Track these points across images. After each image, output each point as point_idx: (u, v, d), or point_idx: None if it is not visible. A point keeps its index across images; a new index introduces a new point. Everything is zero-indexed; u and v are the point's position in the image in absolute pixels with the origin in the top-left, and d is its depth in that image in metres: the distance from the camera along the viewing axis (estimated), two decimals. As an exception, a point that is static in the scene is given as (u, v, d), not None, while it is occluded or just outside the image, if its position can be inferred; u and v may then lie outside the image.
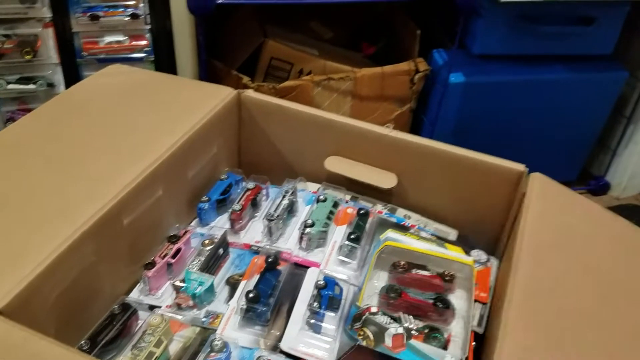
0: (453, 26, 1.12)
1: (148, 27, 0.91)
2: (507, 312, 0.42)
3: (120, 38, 0.89)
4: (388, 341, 0.44)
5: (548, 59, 1.15)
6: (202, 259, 0.54)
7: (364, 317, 0.46)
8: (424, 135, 0.63)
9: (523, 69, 1.13)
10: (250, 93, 0.67)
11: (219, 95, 0.65)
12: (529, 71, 1.13)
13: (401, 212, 0.66)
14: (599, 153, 1.44)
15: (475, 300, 0.53)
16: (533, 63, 1.13)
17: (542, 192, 0.55)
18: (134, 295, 0.52)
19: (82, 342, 0.44)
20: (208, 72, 1.00)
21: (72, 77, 0.91)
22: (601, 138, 1.37)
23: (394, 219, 0.64)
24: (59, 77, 0.92)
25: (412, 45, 1.11)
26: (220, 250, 0.56)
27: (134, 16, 0.89)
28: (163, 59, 0.93)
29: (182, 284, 0.50)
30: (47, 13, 0.89)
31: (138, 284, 0.53)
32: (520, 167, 0.58)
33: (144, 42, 0.90)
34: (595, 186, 1.43)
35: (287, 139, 0.69)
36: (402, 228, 0.61)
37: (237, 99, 0.66)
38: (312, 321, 0.49)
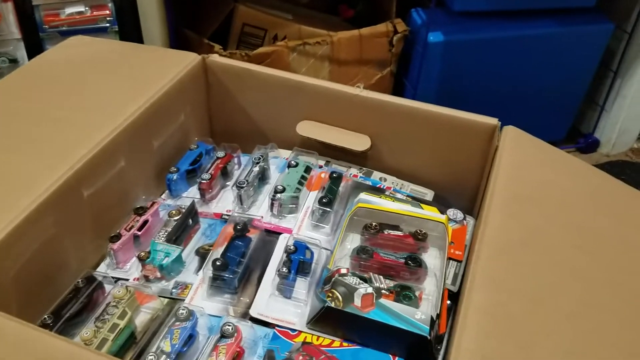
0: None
1: (109, -4, 0.87)
2: (474, 267, 0.41)
3: (82, 9, 0.86)
4: (357, 301, 0.43)
5: (530, 14, 1.12)
6: (169, 229, 0.52)
7: (333, 279, 0.45)
8: (406, 99, 0.61)
9: (505, 25, 1.10)
10: (215, 57, 0.64)
11: (183, 62, 0.62)
12: (511, 27, 1.10)
13: (377, 175, 0.64)
14: (587, 110, 1.42)
15: (450, 258, 0.52)
16: (515, 18, 1.10)
17: (516, 145, 0.54)
18: (102, 270, 0.51)
19: (45, 316, 0.43)
20: (178, 42, 0.97)
21: (35, 52, 0.87)
22: (589, 94, 1.35)
23: (369, 182, 0.62)
24: (22, 53, 0.89)
25: (390, 6, 1.07)
26: (190, 221, 0.55)
27: (94, -15, 0.85)
28: (128, 29, 0.90)
29: (147, 255, 0.49)
30: (5, -13, 0.86)
31: (105, 258, 0.52)
32: (492, 121, 0.56)
33: (106, 12, 0.87)
34: (585, 144, 1.42)
35: (257, 104, 0.67)
36: (377, 190, 0.59)
37: (202, 65, 0.64)
38: (282, 286, 0.48)
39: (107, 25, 0.88)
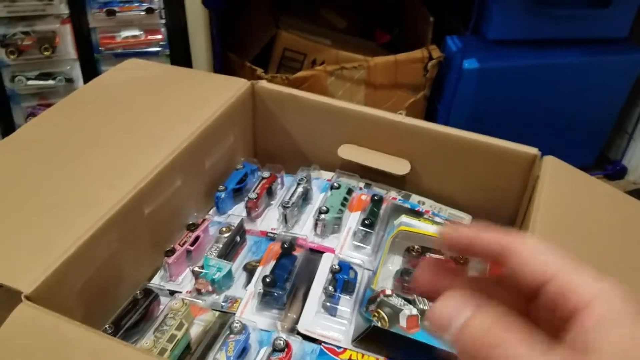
0: (467, 12, 1.12)
1: (163, 21, 0.92)
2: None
3: (136, 33, 0.91)
4: (402, 322, 0.45)
5: (564, 43, 1.13)
6: (220, 246, 0.55)
7: (378, 299, 0.47)
8: (439, 123, 0.63)
9: (538, 53, 1.12)
10: (263, 84, 0.68)
11: (234, 87, 0.66)
12: (545, 55, 1.12)
13: (415, 199, 0.66)
14: (616, 137, 1.42)
15: (490, 283, 0.53)
16: (548, 47, 1.12)
17: (556, 175, 0.55)
18: (155, 282, 0.54)
19: (107, 326, 0.46)
20: (222, 65, 1.01)
21: (90, 72, 0.93)
22: (618, 122, 1.35)
23: (407, 205, 0.64)
24: (77, 73, 0.94)
25: (426, 33, 1.10)
26: (238, 238, 0.58)
27: (149, 11, 0.90)
28: (178, 53, 0.95)
29: (201, 270, 0.52)
30: (64, 9, 0.91)
31: (159, 271, 0.55)
32: (533, 150, 0.58)
33: (159, 37, 0.92)
34: (613, 171, 1.42)
35: (301, 128, 0.70)
36: (416, 213, 0.61)
37: (251, 90, 0.67)
38: (328, 304, 0.50)
39: (159, 49, 0.92)
